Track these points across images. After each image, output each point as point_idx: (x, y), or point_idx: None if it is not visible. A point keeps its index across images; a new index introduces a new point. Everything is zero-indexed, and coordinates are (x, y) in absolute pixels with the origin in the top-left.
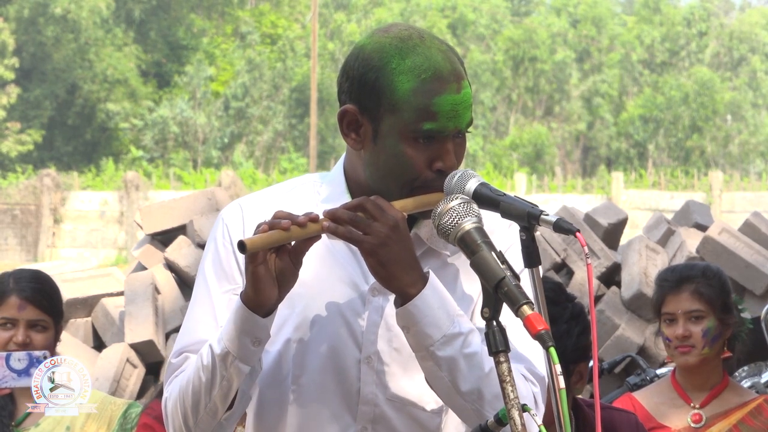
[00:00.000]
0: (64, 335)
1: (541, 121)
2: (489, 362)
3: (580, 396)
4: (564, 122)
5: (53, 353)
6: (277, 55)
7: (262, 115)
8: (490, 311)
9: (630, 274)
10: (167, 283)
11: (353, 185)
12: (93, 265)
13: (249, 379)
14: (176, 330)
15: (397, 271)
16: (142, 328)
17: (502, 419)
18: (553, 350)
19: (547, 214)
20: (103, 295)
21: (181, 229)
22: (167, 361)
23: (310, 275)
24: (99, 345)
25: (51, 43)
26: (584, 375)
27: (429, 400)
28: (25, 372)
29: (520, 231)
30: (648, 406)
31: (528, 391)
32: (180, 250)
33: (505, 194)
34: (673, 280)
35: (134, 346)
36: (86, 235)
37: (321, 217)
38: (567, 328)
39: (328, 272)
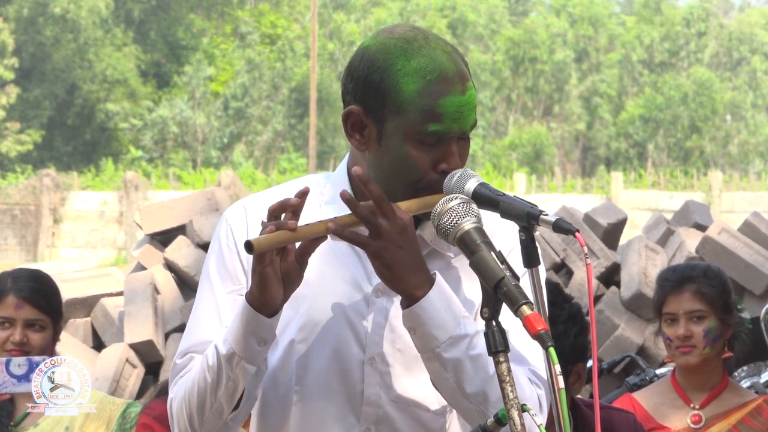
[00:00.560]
0: (64, 335)
1: (541, 121)
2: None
3: (578, 396)
4: (563, 122)
5: (52, 353)
6: (277, 55)
7: (262, 115)
8: (490, 311)
9: (629, 274)
10: (167, 283)
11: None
12: (92, 265)
13: (255, 380)
14: (176, 330)
15: (404, 273)
16: (141, 328)
17: (501, 419)
18: (552, 350)
19: (546, 214)
20: (103, 295)
21: (181, 229)
22: (172, 361)
23: (315, 276)
24: (98, 345)
25: (50, 43)
26: (582, 375)
27: (433, 401)
28: (25, 377)
29: (520, 231)
30: (647, 406)
31: (533, 393)
32: (179, 250)
33: (504, 194)
34: (674, 280)
35: (134, 346)
36: (86, 235)
37: (322, 219)
38: (564, 328)
39: (332, 273)
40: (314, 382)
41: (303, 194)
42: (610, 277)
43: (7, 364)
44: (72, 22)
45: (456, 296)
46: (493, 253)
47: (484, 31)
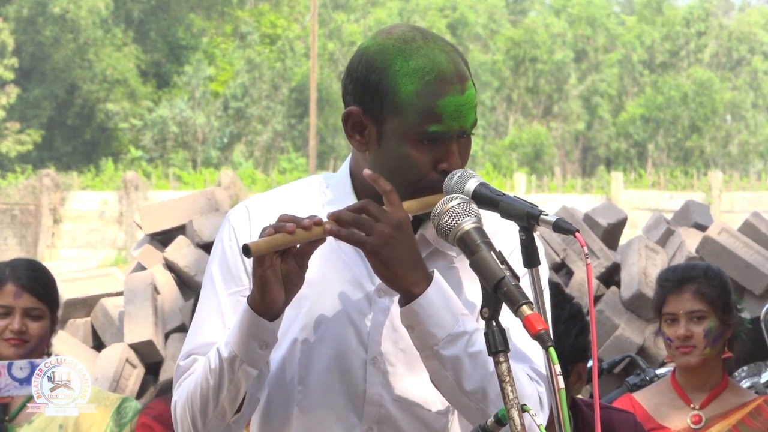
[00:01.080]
0: (64, 335)
1: (541, 121)
2: None
3: (579, 396)
4: (563, 122)
5: (49, 343)
6: (277, 55)
7: (262, 115)
8: (490, 311)
9: (629, 274)
10: (167, 283)
11: (359, 186)
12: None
13: (257, 382)
14: (176, 330)
15: (401, 270)
16: (141, 328)
17: (501, 419)
18: (552, 350)
19: (546, 214)
20: (103, 295)
21: (181, 229)
22: (170, 360)
23: (316, 276)
24: (98, 345)
25: (50, 43)
26: (583, 375)
27: (435, 400)
28: (27, 381)
29: (520, 231)
30: (647, 406)
31: (533, 390)
32: (179, 250)
33: (504, 194)
34: (674, 280)
35: (134, 346)
36: (86, 235)
37: (325, 220)
38: (565, 328)
39: (334, 273)
40: (316, 381)
41: (315, 223)
42: (610, 277)
43: (9, 367)
44: (72, 22)
45: (455, 294)
46: (493, 253)
47: (484, 31)
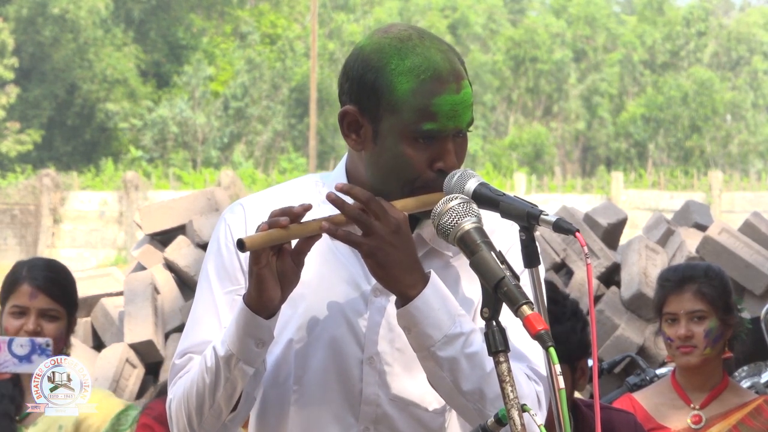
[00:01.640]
0: None
1: (541, 121)
2: (490, 362)
3: (578, 396)
4: (563, 122)
5: (66, 344)
6: (277, 55)
7: (262, 115)
8: (490, 311)
9: (629, 274)
10: (167, 283)
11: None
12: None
13: (253, 381)
14: (176, 330)
15: (398, 273)
16: (141, 328)
17: (501, 419)
18: (552, 350)
19: (546, 214)
20: (103, 295)
21: (181, 229)
22: (170, 360)
23: (313, 275)
24: (98, 345)
25: (50, 43)
26: (586, 371)
27: (432, 400)
28: (27, 358)
29: (520, 231)
30: (648, 406)
31: (531, 389)
32: (179, 250)
33: (504, 194)
34: (675, 280)
35: (134, 346)
36: (86, 235)
37: (320, 216)
38: (571, 325)
39: (330, 272)
40: (313, 381)
41: (305, 209)
42: (610, 277)
43: (10, 343)
44: (71, 22)
45: (452, 295)
46: (493, 253)
47: (483, 31)
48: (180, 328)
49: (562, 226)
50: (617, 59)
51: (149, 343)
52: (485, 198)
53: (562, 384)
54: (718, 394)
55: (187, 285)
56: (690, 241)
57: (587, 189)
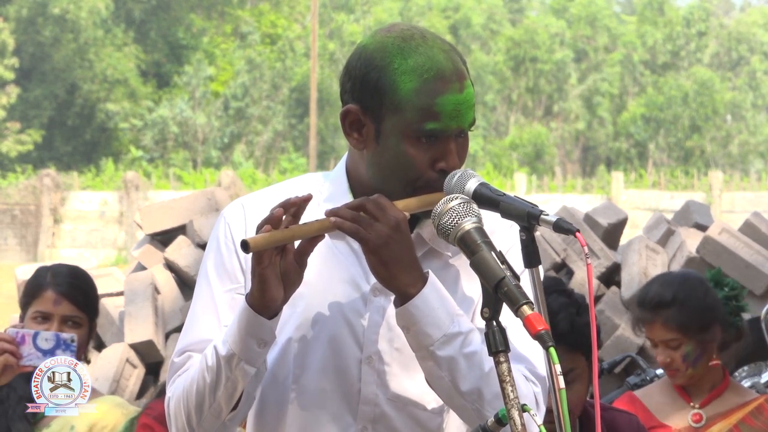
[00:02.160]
0: None
1: (541, 121)
2: (489, 362)
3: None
4: (563, 122)
5: (86, 351)
6: (277, 55)
7: (262, 115)
8: (490, 311)
9: (630, 274)
10: (167, 283)
11: (355, 184)
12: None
13: (254, 381)
14: (176, 330)
15: (398, 271)
16: (141, 329)
17: (502, 419)
18: (552, 350)
19: (546, 214)
20: (103, 295)
21: (181, 229)
22: (170, 360)
23: (313, 275)
24: (99, 345)
25: (50, 43)
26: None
27: (430, 399)
28: (51, 352)
29: (520, 231)
30: (649, 405)
31: (529, 390)
32: (180, 250)
33: (504, 194)
34: (647, 308)
35: (134, 346)
36: (86, 235)
37: (322, 217)
38: (587, 319)
39: (330, 272)
40: (311, 380)
41: (305, 200)
42: (611, 277)
43: (35, 336)
44: (72, 22)
45: (450, 294)
46: (493, 253)
47: (483, 31)
48: (180, 328)
49: (562, 226)
50: (617, 59)
51: (149, 343)
52: (485, 198)
53: (562, 384)
54: (719, 393)
55: (187, 285)
56: (690, 241)
57: (587, 189)
